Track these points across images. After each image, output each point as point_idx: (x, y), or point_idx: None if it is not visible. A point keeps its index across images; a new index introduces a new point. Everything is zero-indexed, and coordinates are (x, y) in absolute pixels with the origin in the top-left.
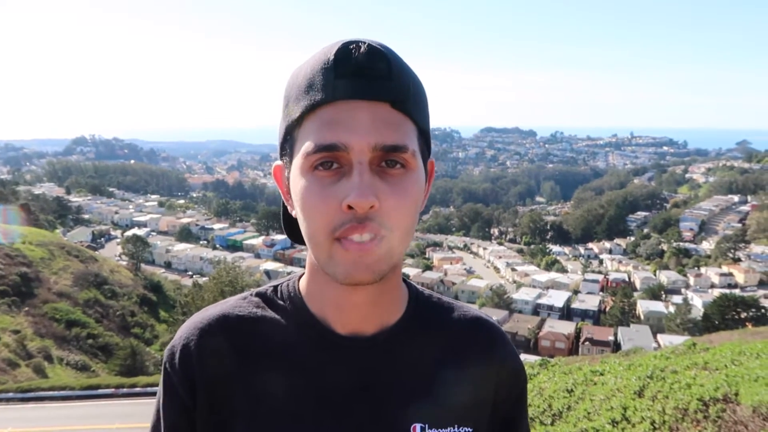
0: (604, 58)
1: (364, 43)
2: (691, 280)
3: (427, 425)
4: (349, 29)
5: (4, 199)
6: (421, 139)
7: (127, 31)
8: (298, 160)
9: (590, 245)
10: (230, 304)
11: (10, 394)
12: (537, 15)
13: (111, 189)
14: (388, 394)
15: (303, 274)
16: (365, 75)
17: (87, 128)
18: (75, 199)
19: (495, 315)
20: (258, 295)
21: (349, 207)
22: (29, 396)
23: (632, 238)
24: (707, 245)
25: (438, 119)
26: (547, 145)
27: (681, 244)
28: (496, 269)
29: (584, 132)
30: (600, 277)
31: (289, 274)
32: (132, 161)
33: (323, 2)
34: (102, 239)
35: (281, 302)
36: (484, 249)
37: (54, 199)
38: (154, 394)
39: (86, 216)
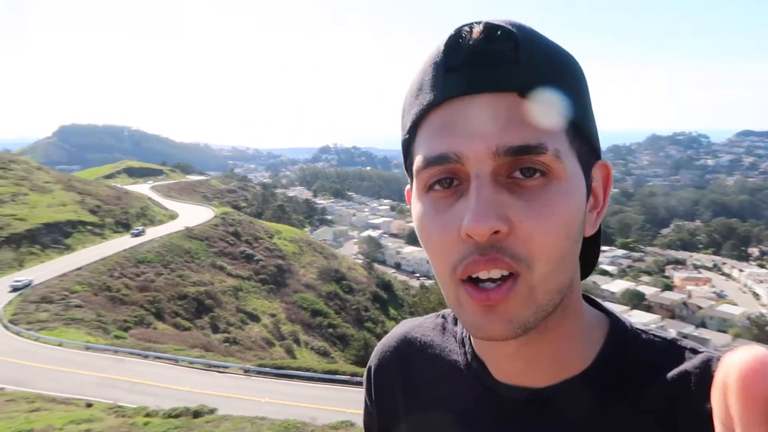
0: None
1: (480, 23)
2: None
3: None
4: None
5: (266, 200)
6: (576, 137)
7: (369, 49)
8: (414, 182)
9: None
10: (418, 323)
11: (267, 369)
12: None
13: (350, 193)
14: None
15: None
16: (481, 62)
17: (331, 138)
18: (320, 202)
19: None
20: (443, 317)
21: (469, 235)
22: (281, 373)
23: None
24: None
25: (682, 122)
26: None
27: None
28: (756, 295)
29: None
30: None
31: None
32: (368, 168)
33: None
34: (341, 239)
35: (456, 328)
36: (740, 271)
37: (304, 201)
38: None
39: (329, 217)
